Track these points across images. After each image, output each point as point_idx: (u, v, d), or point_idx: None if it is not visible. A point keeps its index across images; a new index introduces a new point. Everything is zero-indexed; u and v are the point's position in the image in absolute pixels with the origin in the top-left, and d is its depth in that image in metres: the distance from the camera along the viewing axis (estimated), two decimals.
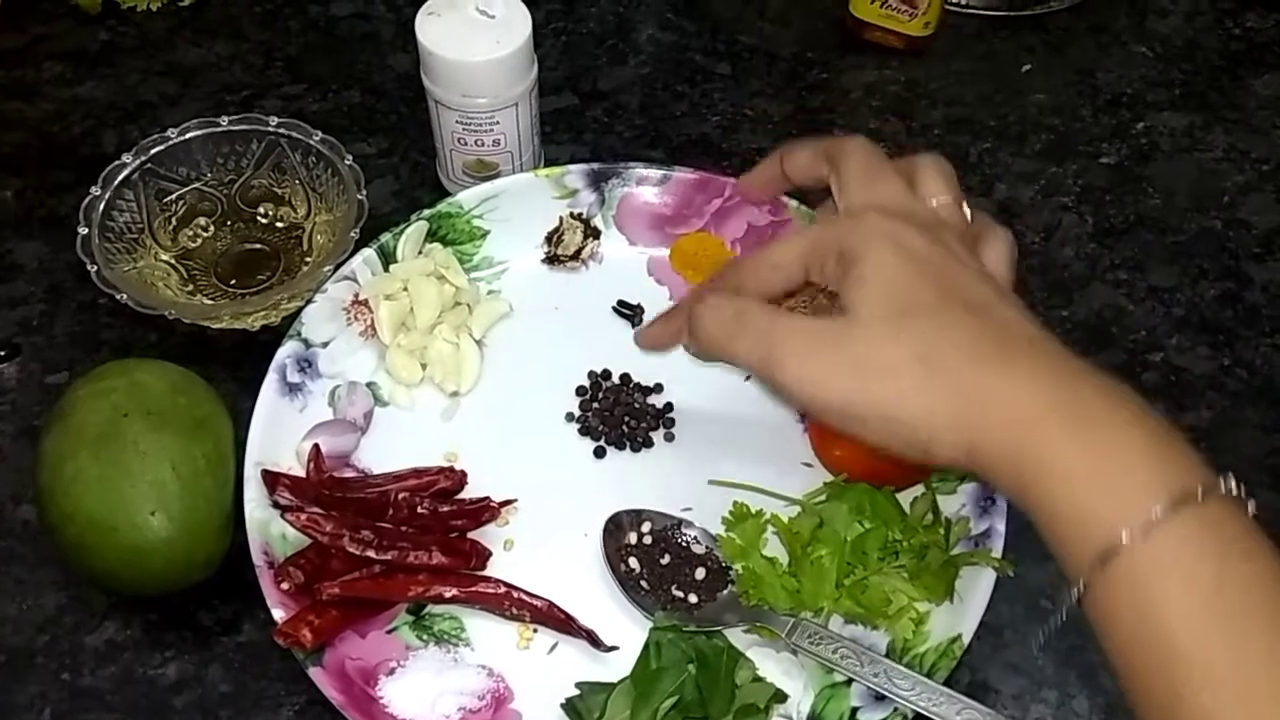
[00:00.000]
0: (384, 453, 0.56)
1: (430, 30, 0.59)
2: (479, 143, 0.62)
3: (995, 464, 0.40)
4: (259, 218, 0.64)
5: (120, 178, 0.60)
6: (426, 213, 0.61)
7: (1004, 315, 0.42)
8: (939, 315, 0.42)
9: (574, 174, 0.63)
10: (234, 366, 0.59)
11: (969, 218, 0.49)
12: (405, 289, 0.59)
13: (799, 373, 0.43)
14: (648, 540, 0.53)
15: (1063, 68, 0.75)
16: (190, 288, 0.61)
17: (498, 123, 0.61)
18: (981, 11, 0.78)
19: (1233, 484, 0.37)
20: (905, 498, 0.53)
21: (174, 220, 0.63)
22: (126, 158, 0.61)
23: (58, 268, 0.64)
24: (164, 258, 0.62)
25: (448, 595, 0.51)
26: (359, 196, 0.60)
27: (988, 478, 0.41)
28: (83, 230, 0.58)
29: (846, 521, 0.50)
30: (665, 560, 0.53)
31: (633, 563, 0.52)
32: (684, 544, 0.53)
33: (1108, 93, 0.74)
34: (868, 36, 0.75)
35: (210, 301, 0.61)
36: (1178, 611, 0.36)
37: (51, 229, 0.66)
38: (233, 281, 0.62)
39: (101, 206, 0.59)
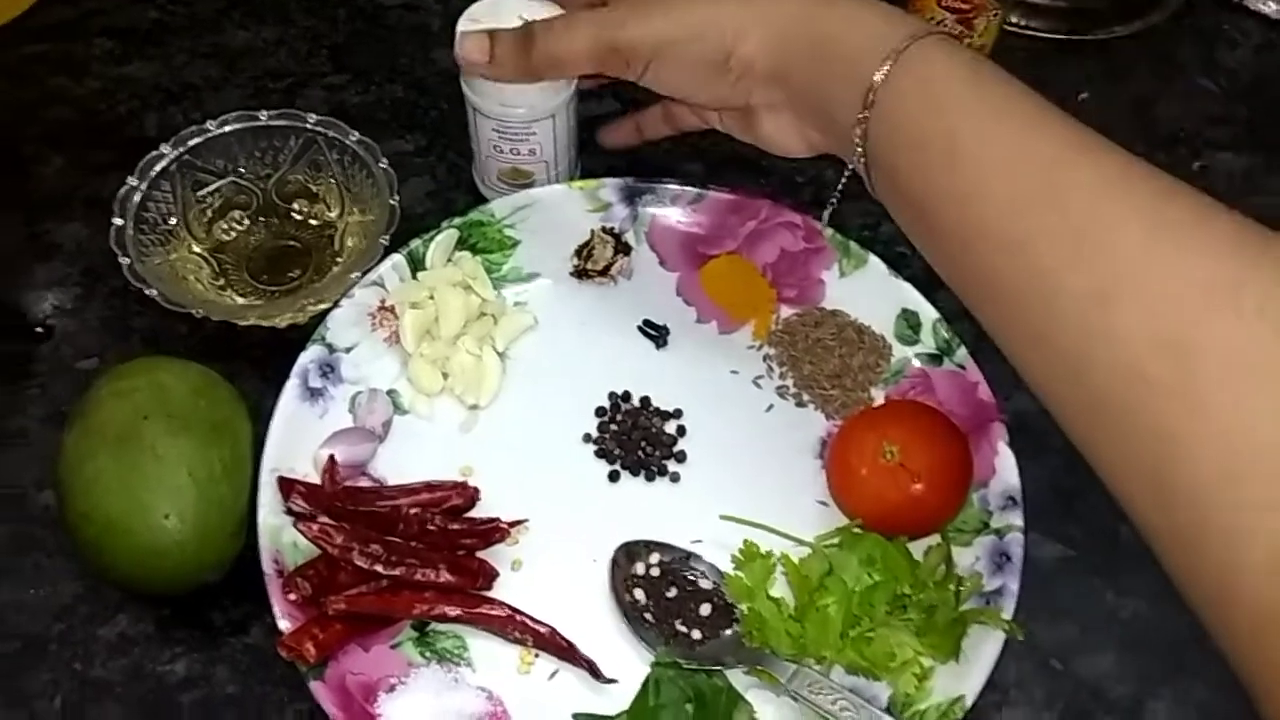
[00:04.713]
0: (400, 462, 0.56)
1: None
2: (515, 151, 0.62)
3: (794, 54, 0.49)
4: (293, 214, 0.64)
5: (157, 169, 0.61)
6: (457, 220, 0.61)
7: None
8: None
9: (608, 188, 0.62)
10: (260, 364, 0.60)
11: None
12: (432, 297, 0.59)
13: (637, 23, 0.51)
14: (655, 572, 0.53)
15: (1120, 97, 0.73)
16: (221, 281, 0.62)
17: (534, 133, 0.61)
18: (1041, 34, 0.75)
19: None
20: (919, 547, 0.52)
21: (209, 213, 0.63)
22: (165, 148, 0.61)
23: (94, 250, 0.64)
24: (197, 250, 0.62)
25: (452, 615, 0.51)
26: (391, 202, 0.60)
27: (791, 73, 0.49)
28: (118, 222, 0.59)
29: (856, 574, 0.49)
30: (671, 593, 0.52)
31: (639, 594, 0.52)
32: (691, 578, 0.53)
33: (1166, 127, 0.71)
34: None
35: (240, 298, 0.61)
36: (943, 100, 0.44)
37: (91, 209, 0.66)
38: (264, 277, 0.62)
39: (137, 198, 0.60)
